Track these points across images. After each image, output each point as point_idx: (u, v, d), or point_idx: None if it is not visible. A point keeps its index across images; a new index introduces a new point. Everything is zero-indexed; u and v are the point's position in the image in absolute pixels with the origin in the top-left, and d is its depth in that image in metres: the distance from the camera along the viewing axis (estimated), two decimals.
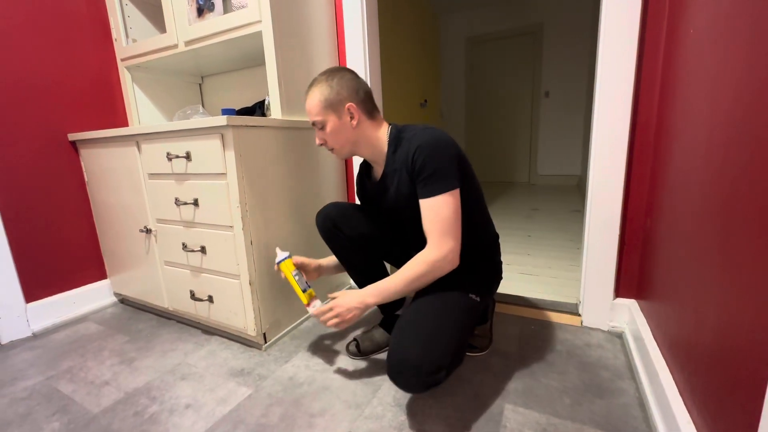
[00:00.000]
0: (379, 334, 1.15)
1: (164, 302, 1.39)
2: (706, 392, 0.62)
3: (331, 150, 0.99)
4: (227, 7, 1.31)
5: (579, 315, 1.27)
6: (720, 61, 0.64)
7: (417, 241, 0.94)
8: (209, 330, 1.34)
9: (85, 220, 1.54)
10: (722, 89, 0.62)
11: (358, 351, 1.12)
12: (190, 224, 1.21)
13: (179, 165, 1.16)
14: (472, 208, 0.94)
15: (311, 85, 0.95)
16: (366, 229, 1.07)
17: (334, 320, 0.92)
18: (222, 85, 1.75)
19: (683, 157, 0.80)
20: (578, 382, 0.97)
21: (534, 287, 1.50)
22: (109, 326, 1.43)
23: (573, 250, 1.94)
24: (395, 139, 0.94)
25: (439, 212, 0.84)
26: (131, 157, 1.30)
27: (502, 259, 1.84)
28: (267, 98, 1.43)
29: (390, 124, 0.98)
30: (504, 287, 1.50)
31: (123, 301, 1.65)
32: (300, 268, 1.09)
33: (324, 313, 0.94)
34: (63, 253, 1.48)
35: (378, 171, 1.03)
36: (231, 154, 1.04)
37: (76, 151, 1.50)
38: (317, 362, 1.11)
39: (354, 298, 0.91)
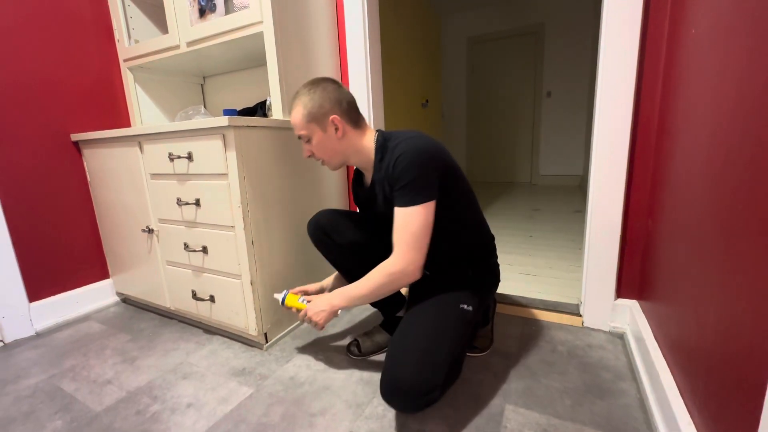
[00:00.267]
0: (380, 334, 1.15)
1: (166, 302, 1.40)
2: (707, 393, 0.62)
3: (321, 162, 1.00)
4: (229, 8, 1.31)
5: (580, 315, 1.26)
6: (722, 61, 0.64)
7: None
8: (211, 329, 1.35)
9: (87, 220, 1.55)
10: (724, 89, 0.62)
11: (359, 351, 1.12)
12: (191, 224, 1.21)
13: (181, 165, 1.17)
14: (458, 214, 0.93)
15: (294, 98, 0.95)
16: (356, 236, 1.06)
17: (307, 322, 0.97)
18: (224, 85, 1.76)
19: (685, 158, 0.80)
20: (579, 382, 0.97)
21: (535, 288, 1.50)
22: (111, 325, 1.43)
23: (574, 250, 1.94)
24: (381, 147, 0.92)
25: (408, 224, 0.84)
26: (133, 157, 1.31)
27: (504, 259, 1.85)
28: (268, 99, 1.43)
29: (377, 131, 0.97)
30: (505, 287, 1.50)
31: (125, 300, 1.66)
32: (304, 293, 1.10)
33: (303, 316, 0.98)
34: (66, 252, 1.49)
35: (368, 177, 1.02)
36: (232, 155, 1.05)
37: (79, 151, 1.51)
38: (318, 362, 1.12)
39: (323, 301, 0.95)
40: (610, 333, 1.19)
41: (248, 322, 1.16)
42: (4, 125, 1.31)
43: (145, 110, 1.61)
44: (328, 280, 1.18)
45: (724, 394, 0.56)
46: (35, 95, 1.38)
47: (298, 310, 1.02)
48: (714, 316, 0.61)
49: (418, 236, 0.83)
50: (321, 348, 1.19)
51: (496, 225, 2.56)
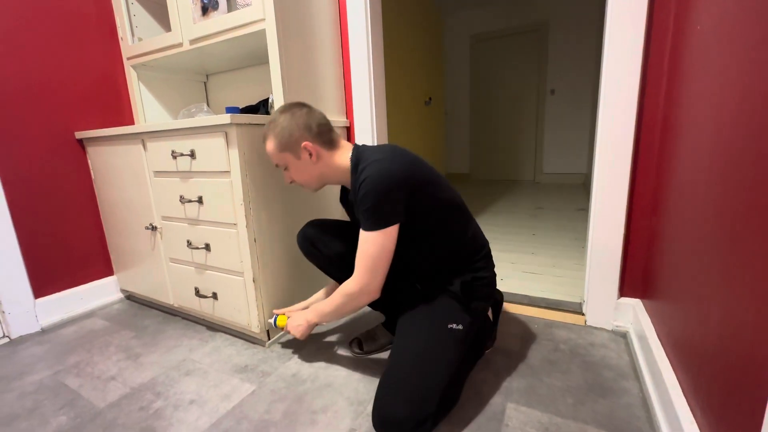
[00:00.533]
0: (382, 333, 1.15)
1: (169, 299, 1.41)
2: (709, 393, 0.62)
3: (302, 186, 1.00)
4: (231, 6, 1.31)
5: (583, 314, 1.26)
6: (727, 59, 0.63)
7: (395, 258, 0.92)
8: (214, 326, 1.36)
9: (91, 218, 1.56)
10: (729, 87, 0.61)
11: (361, 349, 1.13)
12: (194, 221, 1.22)
13: (184, 163, 1.17)
14: (433, 228, 0.91)
15: (266, 128, 0.96)
16: (342, 248, 1.06)
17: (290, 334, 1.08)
18: (226, 83, 1.76)
19: (689, 156, 0.79)
20: (581, 381, 0.96)
21: (538, 286, 1.49)
22: (115, 322, 1.44)
23: (578, 248, 1.93)
24: (355, 167, 0.91)
25: (367, 248, 0.85)
26: (137, 154, 1.31)
27: (507, 257, 1.85)
28: (271, 96, 1.43)
29: (354, 147, 0.95)
30: (508, 286, 1.50)
31: (129, 297, 1.67)
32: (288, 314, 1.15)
33: (287, 330, 1.08)
34: (70, 249, 1.50)
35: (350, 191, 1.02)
36: (235, 152, 1.05)
37: (83, 149, 1.52)
38: (320, 360, 1.12)
39: (301, 316, 1.04)
40: (613, 332, 1.18)
41: (251, 320, 1.17)
42: (10, 124, 1.32)
43: (148, 108, 1.62)
44: (315, 297, 1.19)
45: (727, 393, 0.56)
46: (40, 94, 1.39)
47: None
48: (718, 315, 0.60)
49: (375, 260, 0.86)
50: (323, 346, 1.20)
51: (499, 223, 2.55)
